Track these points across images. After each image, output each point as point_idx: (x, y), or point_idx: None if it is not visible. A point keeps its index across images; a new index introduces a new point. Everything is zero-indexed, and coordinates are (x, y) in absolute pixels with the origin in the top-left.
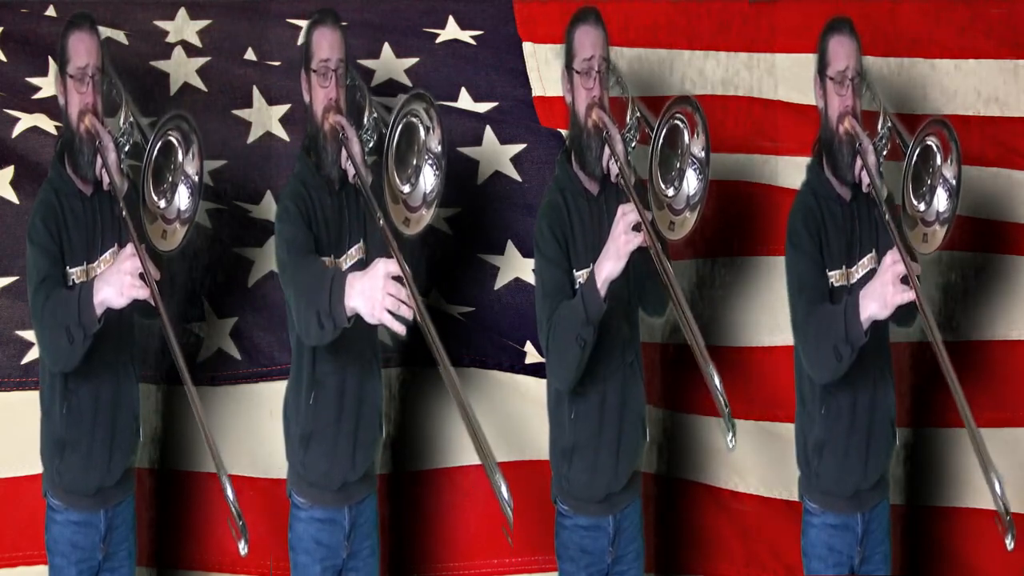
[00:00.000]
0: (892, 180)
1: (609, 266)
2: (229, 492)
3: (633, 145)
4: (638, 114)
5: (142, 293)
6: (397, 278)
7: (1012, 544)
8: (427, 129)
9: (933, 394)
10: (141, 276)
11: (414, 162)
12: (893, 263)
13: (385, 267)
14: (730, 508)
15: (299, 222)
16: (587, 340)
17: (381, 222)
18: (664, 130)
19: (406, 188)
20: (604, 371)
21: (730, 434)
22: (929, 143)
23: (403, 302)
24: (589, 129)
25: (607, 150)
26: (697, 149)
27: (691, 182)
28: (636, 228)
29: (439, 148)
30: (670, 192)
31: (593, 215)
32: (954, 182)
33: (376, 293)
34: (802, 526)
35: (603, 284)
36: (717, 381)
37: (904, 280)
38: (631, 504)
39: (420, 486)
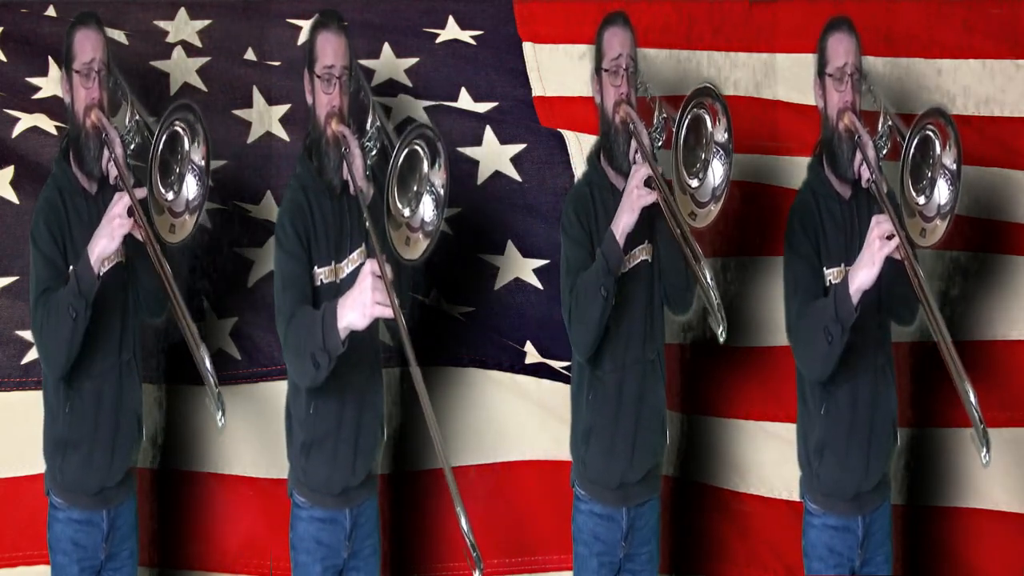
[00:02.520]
0: (893, 179)
1: (624, 218)
2: (206, 360)
3: (659, 145)
4: (664, 115)
5: (129, 227)
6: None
7: (987, 460)
8: (432, 163)
9: (933, 394)
10: (130, 214)
11: (415, 188)
12: (877, 224)
13: (370, 266)
14: (730, 508)
15: (295, 248)
16: (608, 290)
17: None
18: (687, 121)
19: (406, 212)
20: (624, 360)
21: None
22: (927, 132)
23: (387, 304)
24: (617, 126)
25: (633, 144)
26: (720, 135)
27: (716, 172)
28: (649, 184)
29: (442, 190)
30: (694, 183)
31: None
32: (954, 167)
33: (365, 297)
34: (803, 526)
35: (620, 236)
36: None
37: (891, 239)
38: (648, 503)
39: (420, 486)
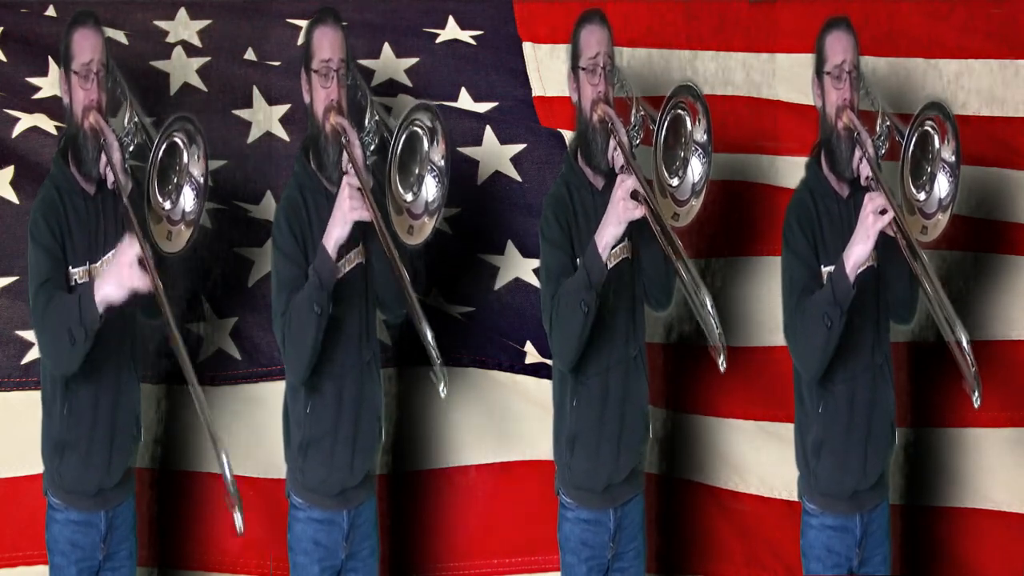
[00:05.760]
0: (892, 179)
1: (609, 231)
2: (227, 471)
3: (637, 143)
4: (642, 112)
5: (141, 282)
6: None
7: (978, 402)
8: (431, 140)
9: (933, 394)
10: (141, 264)
11: (416, 171)
12: (871, 200)
13: (347, 179)
14: (730, 508)
15: (291, 248)
16: (590, 305)
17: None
18: (667, 120)
19: (408, 196)
20: (607, 361)
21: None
22: (926, 128)
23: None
24: (594, 124)
25: (612, 143)
26: (699, 134)
27: (695, 169)
28: (635, 197)
29: (443, 162)
30: (674, 182)
31: (598, 209)
32: (953, 159)
33: (343, 206)
34: (801, 527)
35: (604, 249)
36: (709, 303)
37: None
38: (633, 500)
39: (420, 486)
